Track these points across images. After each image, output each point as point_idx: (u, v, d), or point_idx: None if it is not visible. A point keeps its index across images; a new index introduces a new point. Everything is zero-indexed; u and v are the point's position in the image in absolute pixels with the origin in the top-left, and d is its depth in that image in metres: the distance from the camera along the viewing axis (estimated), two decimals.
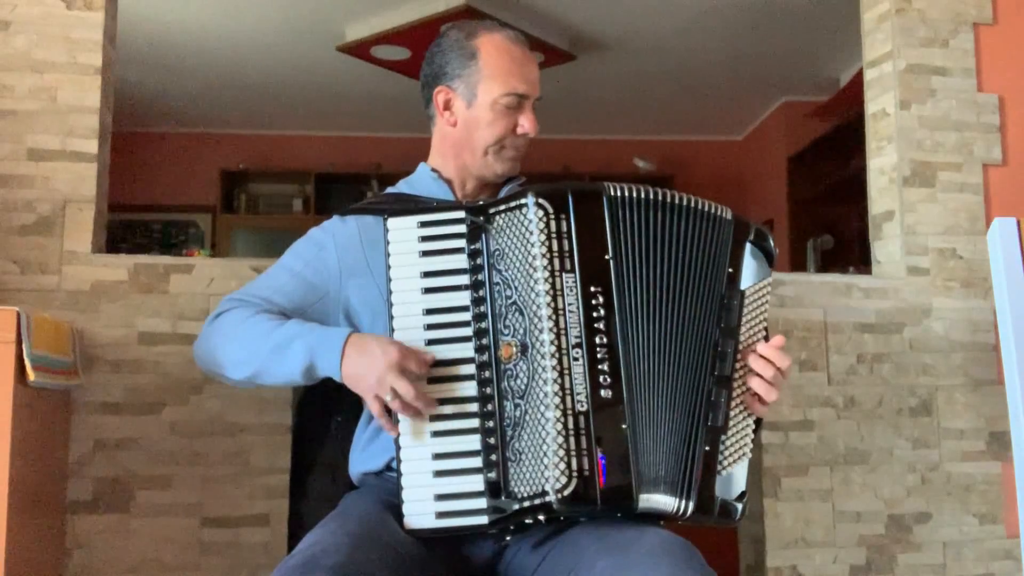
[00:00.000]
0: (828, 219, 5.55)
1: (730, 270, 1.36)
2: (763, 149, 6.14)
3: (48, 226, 1.98)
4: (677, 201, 1.36)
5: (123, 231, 6.18)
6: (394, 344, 1.31)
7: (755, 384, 1.36)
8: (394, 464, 1.40)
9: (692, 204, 1.37)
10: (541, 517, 1.26)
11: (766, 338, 1.40)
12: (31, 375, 1.57)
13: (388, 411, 1.33)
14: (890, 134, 2.39)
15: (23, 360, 1.56)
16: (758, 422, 1.40)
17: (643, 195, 1.35)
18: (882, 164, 2.42)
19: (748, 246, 1.39)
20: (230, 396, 1.98)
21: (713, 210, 1.38)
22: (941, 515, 2.23)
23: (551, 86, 5.45)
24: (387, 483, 1.46)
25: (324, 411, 1.71)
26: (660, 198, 1.35)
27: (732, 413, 1.34)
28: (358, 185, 6.26)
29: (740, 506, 1.33)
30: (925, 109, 2.37)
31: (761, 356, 1.35)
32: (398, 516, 1.33)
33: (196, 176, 6.22)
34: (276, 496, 1.97)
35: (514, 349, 1.29)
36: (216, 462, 1.96)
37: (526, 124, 1.53)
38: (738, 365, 1.35)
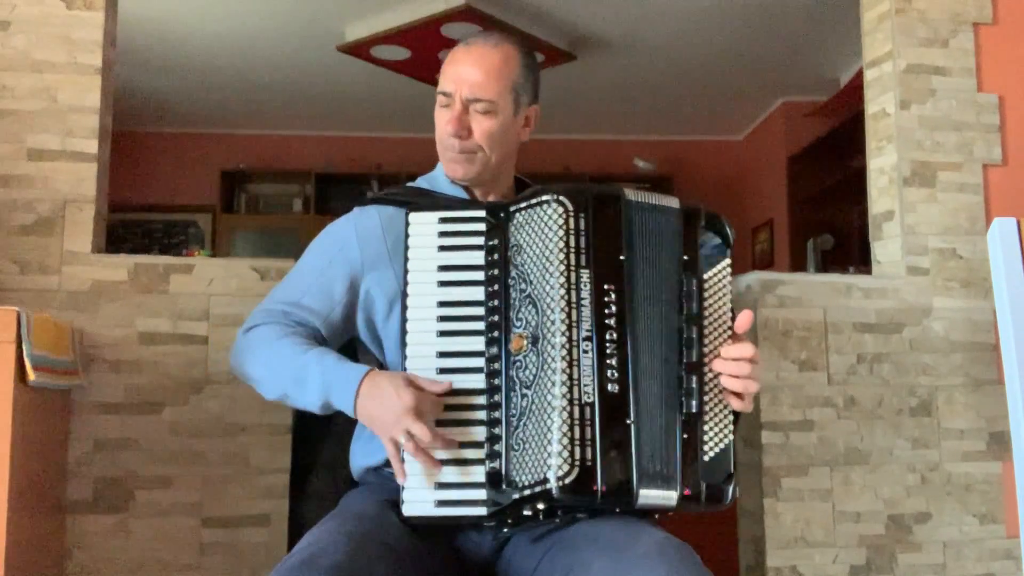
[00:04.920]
0: (828, 219, 5.55)
1: (685, 257, 1.39)
2: (763, 149, 6.14)
3: (48, 226, 1.98)
4: (657, 202, 1.40)
5: (123, 231, 6.17)
6: (409, 387, 1.30)
7: (730, 383, 1.36)
8: None
9: (659, 201, 1.41)
10: (540, 505, 1.26)
11: (732, 319, 1.40)
12: (31, 375, 1.57)
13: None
14: (890, 134, 2.39)
15: (23, 360, 1.56)
16: (736, 413, 1.40)
17: (652, 199, 1.39)
18: (882, 164, 2.42)
19: (700, 230, 1.41)
20: (230, 396, 1.98)
21: (661, 201, 1.41)
22: (941, 515, 2.23)
23: (551, 86, 5.48)
24: (387, 480, 1.46)
25: None
26: (656, 201, 1.40)
27: (706, 399, 1.35)
28: (358, 185, 6.26)
29: (729, 489, 1.34)
30: (925, 109, 2.37)
31: (731, 359, 1.36)
32: (397, 514, 1.33)
33: (196, 176, 6.22)
34: (276, 496, 1.97)
35: (525, 342, 1.31)
36: (216, 462, 1.96)
37: (441, 121, 1.51)
38: (706, 350, 1.36)
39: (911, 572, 2.20)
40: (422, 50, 4.62)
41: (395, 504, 1.35)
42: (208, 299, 2.00)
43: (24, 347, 1.56)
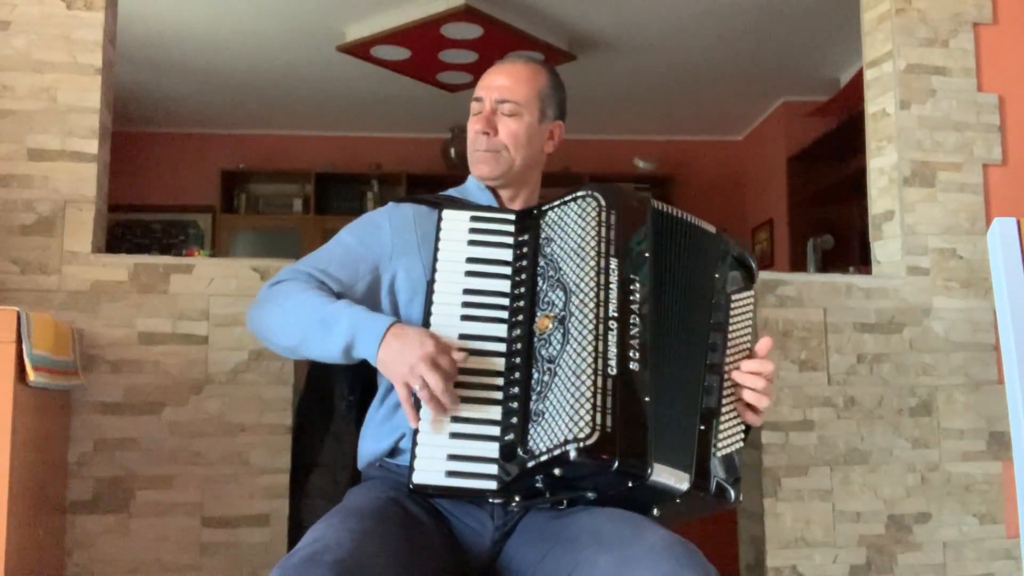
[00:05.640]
0: (828, 219, 5.55)
1: (716, 275, 1.50)
2: (763, 149, 6.14)
3: (48, 226, 1.98)
4: (688, 219, 1.52)
5: (123, 231, 6.17)
6: (431, 337, 1.35)
7: (746, 395, 1.44)
8: (403, 444, 1.46)
9: (695, 221, 1.53)
10: (557, 471, 1.27)
11: (750, 350, 1.48)
12: (31, 375, 1.57)
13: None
14: (890, 134, 2.39)
15: (23, 360, 1.57)
16: (747, 425, 1.48)
17: (678, 213, 1.51)
18: (882, 164, 2.42)
19: (730, 259, 1.53)
20: (230, 396, 1.98)
21: (704, 225, 1.54)
22: (941, 515, 2.23)
23: None
24: (391, 474, 1.48)
25: (324, 411, 1.72)
26: (684, 216, 1.51)
27: (724, 401, 1.42)
28: (358, 185, 6.25)
29: (735, 490, 1.40)
30: (925, 109, 2.37)
31: (749, 372, 1.45)
32: (400, 510, 1.35)
33: (196, 176, 6.22)
34: (276, 496, 1.97)
35: (551, 322, 1.36)
36: (216, 462, 1.96)
37: (471, 124, 1.63)
38: (727, 360, 1.45)
39: (911, 572, 2.20)
40: (422, 50, 4.62)
41: (397, 501, 1.36)
42: (208, 299, 2.00)
43: (24, 347, 1.56)
